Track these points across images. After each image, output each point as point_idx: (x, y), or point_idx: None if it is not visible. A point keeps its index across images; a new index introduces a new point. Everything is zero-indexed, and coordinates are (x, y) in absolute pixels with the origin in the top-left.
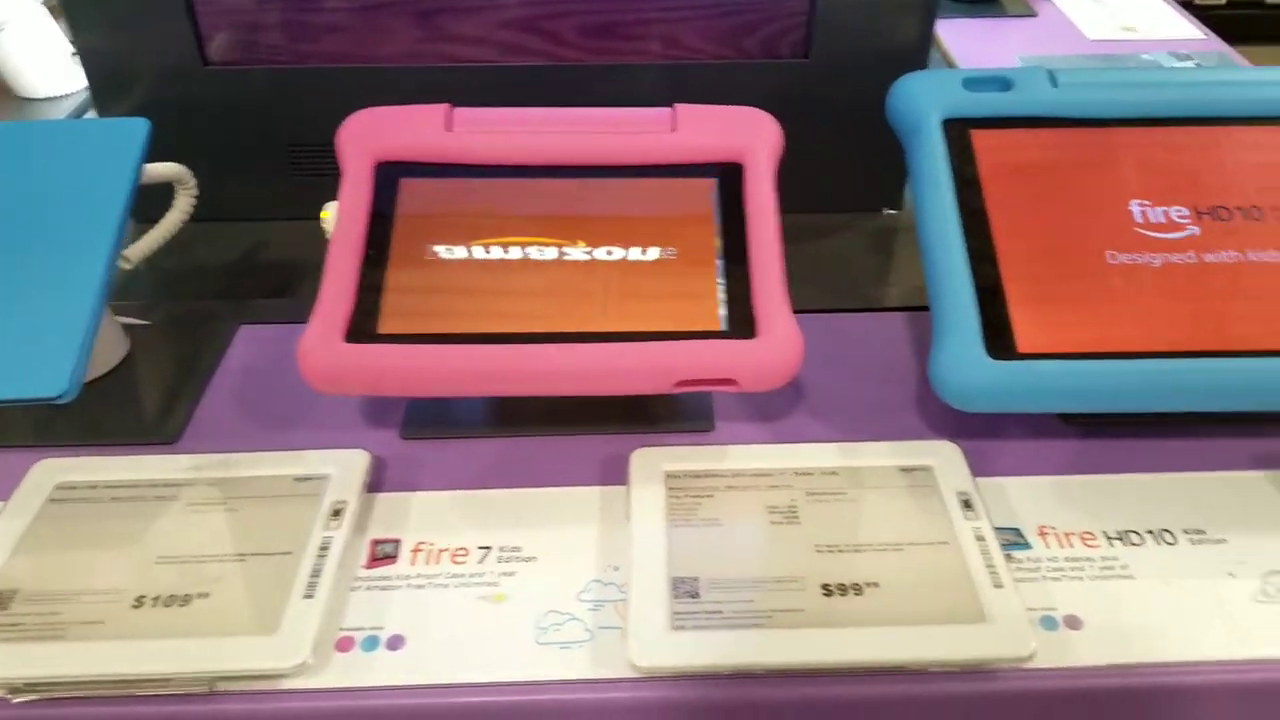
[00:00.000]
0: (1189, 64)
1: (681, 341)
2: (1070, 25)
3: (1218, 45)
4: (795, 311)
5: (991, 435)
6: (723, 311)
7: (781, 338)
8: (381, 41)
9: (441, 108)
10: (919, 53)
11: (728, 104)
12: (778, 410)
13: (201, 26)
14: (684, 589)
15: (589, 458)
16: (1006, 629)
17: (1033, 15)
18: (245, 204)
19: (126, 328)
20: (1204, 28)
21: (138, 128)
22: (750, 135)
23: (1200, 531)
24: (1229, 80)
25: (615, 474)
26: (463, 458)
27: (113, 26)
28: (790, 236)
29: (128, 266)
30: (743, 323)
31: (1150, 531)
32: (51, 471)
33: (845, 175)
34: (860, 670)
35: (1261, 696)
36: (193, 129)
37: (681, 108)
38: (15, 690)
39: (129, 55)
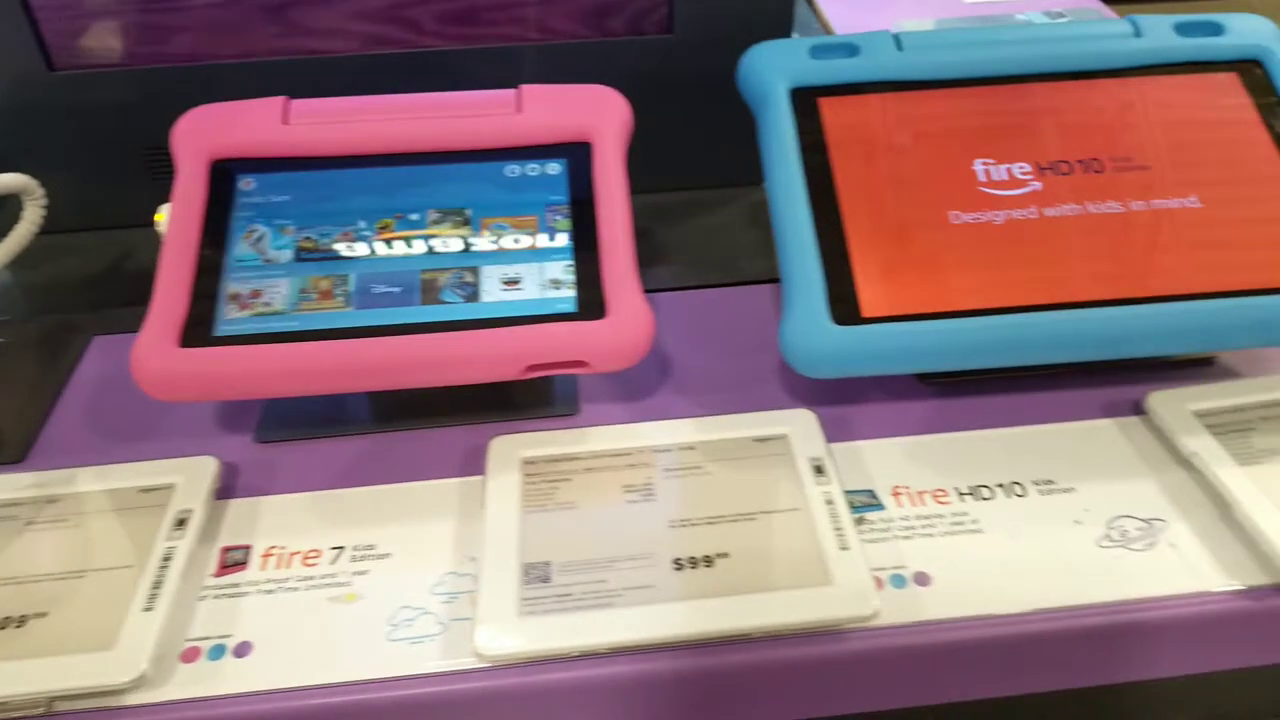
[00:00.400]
0: (1061, 22)
1: (530, 326)
2: None
3: (1092, 2)
4: (666, 290)
5: (852, 400)
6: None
7: (631, 317)
8: (237, 37)
9: (278, 100)
10: (781, 21)
11: (596, 84)
12: (644, 389)
13: (44, 31)
14: (535, 575)
15: (451, 450)
16: (850, 590)
17: None
18: (106, 212)
19: None
20: None
21: None
22: (597, 113)
23: (1050, 482)
24: (1070, 36)
25: (476, 465)
26: (321, 458)
27: None
28: (668, 214)
29: None
30: (592, 303)
31: (1000, 485)
32: None
33: (720, 149)
34: (706, 641)
35: (1100, 639)
36: (45, 137)
37: (527, 88)
38: None
39: None
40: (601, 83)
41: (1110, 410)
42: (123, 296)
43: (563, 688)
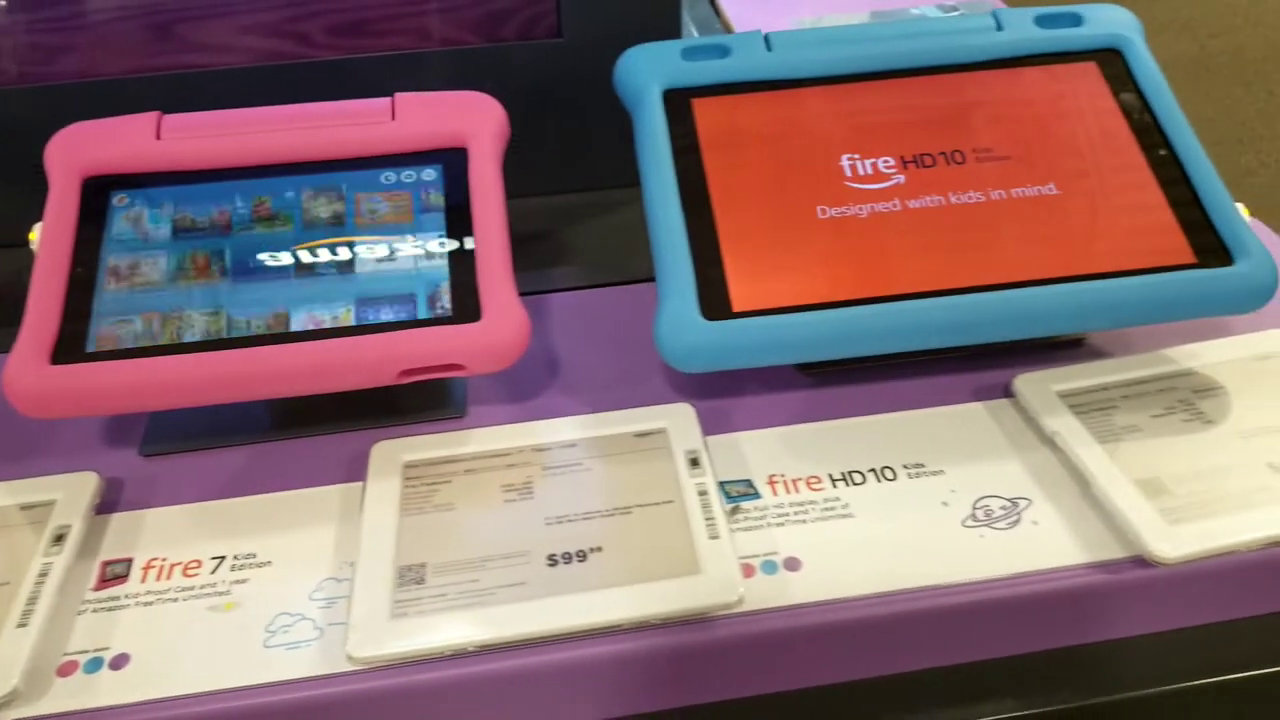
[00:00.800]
0: (929, 18)
1: (402, 331)
2: None
3: None
4: (560, 290)
5: (735, 393)
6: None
7: (505, 319)
8: (129, 54)
9: (152, 116)
10: (669, 22)
11: (491, 90)
12: (532, 390)
13: None
14: (410, 577)
15: (337, 456)
16: (717, 578)
17: None
18: None
19: None
20: None
21: None
22: (472, 119)
23: (920, 465)
24: (934, 31)
25: (361, 470)
26: (207, 469)
27: None
28: (568, 215)
29: None
30: (467, 307)
31: (872, 470)
32: None
33: (619, 150)
34: (575, 634)
35: (962, 617)
36: None
37: (401, 96)
38: None
39: None
40: (496, 88)
41: (982, 394)
42: (9, 316)
43: (435, 688)
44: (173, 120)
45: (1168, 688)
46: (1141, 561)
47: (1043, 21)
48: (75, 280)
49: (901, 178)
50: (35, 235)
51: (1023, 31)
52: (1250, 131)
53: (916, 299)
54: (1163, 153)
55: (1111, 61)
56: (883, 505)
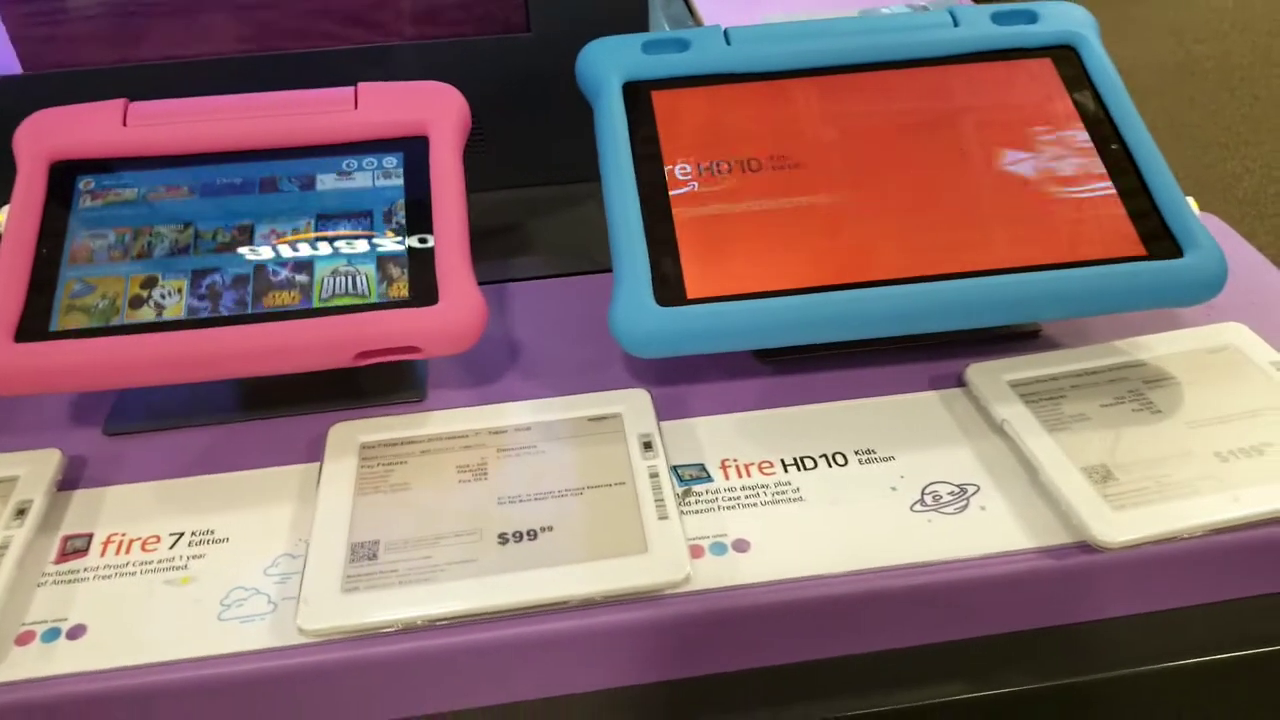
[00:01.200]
0: (890, 15)
1: (358, 314)
2: None
3: None
4: (525, 279)
5: (693, 380)
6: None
7: (462, 303)
8: (90, 44)
9: (119, 103)
10: (635, 15)
11: (456, 83)
12: (493, 374)
13: None
14: (362, 553)
15: (297, 438)
16: (665, 557)
17: None
18: None
19: None
20: None
21: None
22: (433, 108)
23: (871, 451)
24: (891, 27)
25: (320, 451)
26: (169, 449)
27: None
28: (537, 209)
29: None
30: (425, 291)
31: (824, 455)
32: None
33: (581, 144)
34: (523, 610)
35: (909, 600)
36: None
37: (364, 85)
38: None
39: None
40: (464, 81)
41: (936, 383)
42: None
43: (384, 661)
44: (139, 107)
45: (1115, 673)
46: (1087, 547)
47: (999, 18)
48: (40, 261)
49: (851, 167)
50: (2, 217)
51: (979, 28)
52: (1236, 137)
53: (870, 287)
54: (1114, 147)
55: (1066, 58)
56: (832, 489)
